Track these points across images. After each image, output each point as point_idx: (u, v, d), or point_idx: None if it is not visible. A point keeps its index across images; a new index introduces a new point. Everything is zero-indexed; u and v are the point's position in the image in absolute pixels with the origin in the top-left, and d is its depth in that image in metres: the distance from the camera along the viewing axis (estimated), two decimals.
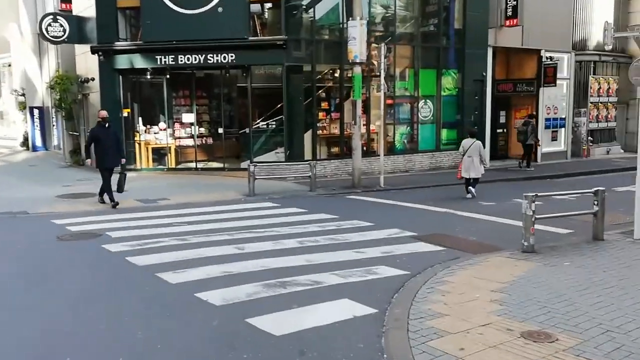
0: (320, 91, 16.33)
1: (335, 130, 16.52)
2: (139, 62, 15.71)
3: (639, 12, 23.79)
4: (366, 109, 16.36)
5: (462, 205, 11.58)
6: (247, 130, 15.94)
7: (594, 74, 23.19)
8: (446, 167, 18.36)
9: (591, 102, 23.05)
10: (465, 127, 18.51)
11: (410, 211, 11.10)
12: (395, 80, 17.21)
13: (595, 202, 8.01)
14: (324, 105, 16.39)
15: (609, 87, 23.75)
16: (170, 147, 16.57)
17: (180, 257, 7.32)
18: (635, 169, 18.93)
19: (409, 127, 18.02)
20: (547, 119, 21.15)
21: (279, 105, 15.58)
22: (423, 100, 17.96)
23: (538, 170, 18.48)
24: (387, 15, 17.40)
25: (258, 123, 16.05)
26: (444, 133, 18.62)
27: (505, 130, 21.64)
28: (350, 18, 13.86)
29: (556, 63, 20.41)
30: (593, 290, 5.73)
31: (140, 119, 16.53)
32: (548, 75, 20.33)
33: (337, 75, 16.50)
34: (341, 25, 16.18)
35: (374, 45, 15.21)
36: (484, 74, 18.96)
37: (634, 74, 8.04)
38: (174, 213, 10.55)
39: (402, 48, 17.58)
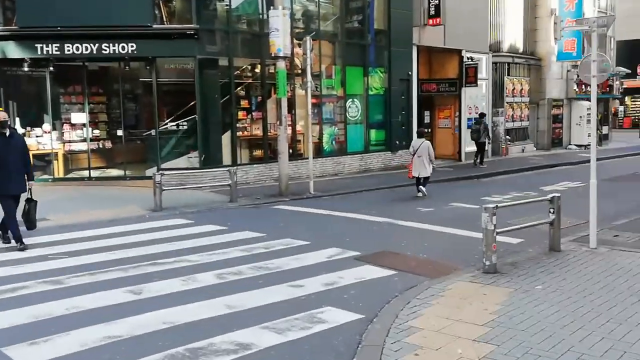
0: (239, 88, 14.69)
1: (257, 131, 14.94)
2: (14, 51, 13.06)
3: (545, 17, 24.38)
4: (291, 109, 14.92)
5: (401, 213, 10.49)
6: (152, 132, 13.92)
7: (509, 75, 23.36)
8: (376, 169, 17.39)
9: (507, 102, 23.20)
10: (392, 127, 17.76)
11: (347, 223, 9.80)
12: (320, 78, 15.94)
13: (551, 210, 7.11)
14: (244, 103, 14.78)
15: (522, 88, 24.06)
16: (57, 153, 14.03)
17: (46, 314, 5.14)
18: (553, 166, 19.89)
19: (336, 128, 16.81)
20: (469, 119, 20.84)
21: (191, 104, 13.76)
22: (350, 100, 16.84)
23: (463, 171, 18.02)
24: (310, 10, 16.11)
25: (166, 124, 14.11)
26: (373, 134, 17.63)
27: (430, 130, 21.10)
28: (272, 7, 12.37)
29: (477, 63, 20.16)
30: (590, 327, 4.65)
31: (17, 119, 13.71)
32: (469, 75, 20.03)
33: (257, 70, 14.94)
34: (261, 16, 14.68)
35: (296, 41, 13.86)
36: (410, 73, 18.21)
37: (583, 70, 7.24)
38: (53, 240, 8.26)
39: (327, 45, 16.39)
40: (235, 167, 12.87)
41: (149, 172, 13.31)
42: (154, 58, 13.57)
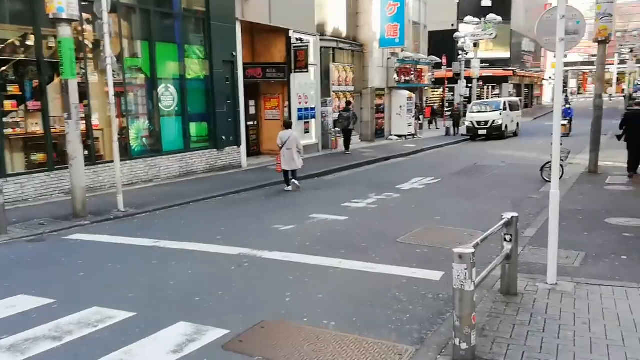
0: (4, 68, 10.28)
1: (35, 127, 10.71)
2: None
3: None
4: (83, 98, 11.00)
5: (257, 237, 7.79)
6: None
7: (334, 61, 21.91)
8: (200, 170, 14.21)
9: (333, 91, 21.76)
10: (217, 119, 14.77)
11: (186, 261, 6.66)
12: (122, 57, 12.21)
13: (508, 238, 4.99)
14: (14, 89, 10.42)
15: (347, 76, 22.88)
16: None
17: None
18: (387, 159, 18.84)
19: (147, 121, 13.18)
20: (299, 109, 18.79)
21: None
22: (163, 86, 13.35)
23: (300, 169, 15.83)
24: None
25: None
26: (194, 128, 14.38)
27: (256, 122, 18.55)
28: None
29: (307, 45, 18.09)
30: None
31: None
32: (299, 59, 17.90)
33: (30, 44, 10.64)
34: None
35: (85, 16, 10.08)
36: (234, 53, 15.32)
37: (543, 32, 5.24)
38: None
39: (129, 14, 12.65)
40: (2, 179, 8.75)
41: None
42: None
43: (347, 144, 19.47)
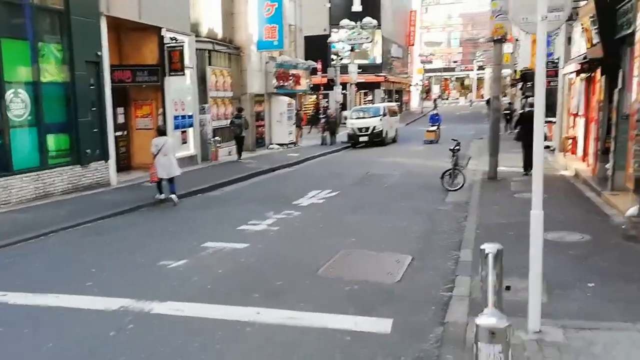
0: None
1: None
2: None
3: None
4: None
5: (140, 279, 6.33)
6: None
7: (210, 64, 20.38)
8: (60, 191, 11.98)
9: (211, 97, 20.21)
10: (80, 129, 12.60)
11: (43, 324, 4.98)
12: None
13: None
14: None
15: (224, 81, 21.45)
16: None
17: None
18: (273, 170, 17.69)
19: None
20: (175, 117, 16.99)
21: None
22: (12, 91, 10.97)
23: (178, 183, 14.13)
24: None
25: None
26: (52, 140, 12.08)
27: (126, 132, 16.44)
28: None
29: (182, 46, 16.41)
30: None
31: None
32: (174, 60, 16.16)
33: None
34: None
35: None
36: (100, 53, 13.25)
37: (518, 9, 4.35)
38: None
39: None
40: None
41: None
42: None
43: (239, 151, 19.24)
